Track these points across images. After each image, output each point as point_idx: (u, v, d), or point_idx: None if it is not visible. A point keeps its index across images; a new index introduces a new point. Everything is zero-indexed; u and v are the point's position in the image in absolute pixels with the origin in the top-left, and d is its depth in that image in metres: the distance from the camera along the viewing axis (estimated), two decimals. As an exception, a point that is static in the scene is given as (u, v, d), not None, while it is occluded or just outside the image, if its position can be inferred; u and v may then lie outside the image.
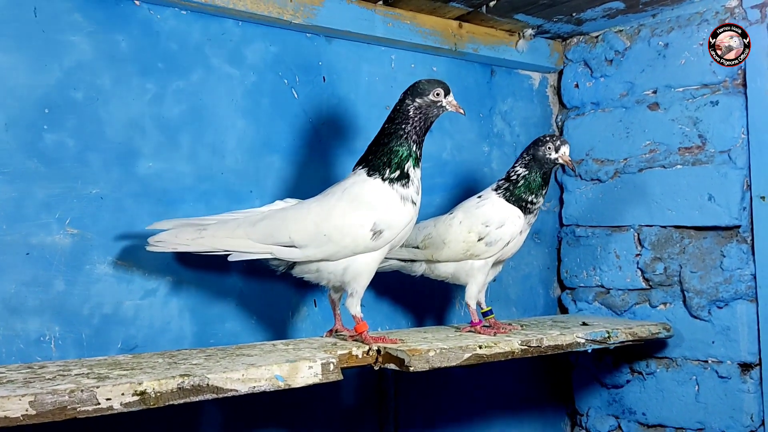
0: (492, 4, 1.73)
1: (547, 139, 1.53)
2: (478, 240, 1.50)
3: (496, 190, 1.55)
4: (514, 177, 1.53)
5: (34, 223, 1.31)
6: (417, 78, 1.83)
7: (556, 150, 1.51)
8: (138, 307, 1.41)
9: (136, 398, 0.95)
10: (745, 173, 1.65)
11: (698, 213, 1.73)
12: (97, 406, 0.91)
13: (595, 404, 1.97)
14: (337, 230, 1.28)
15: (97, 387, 0.92)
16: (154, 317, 1.43)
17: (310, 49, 1.67)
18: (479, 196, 1.57)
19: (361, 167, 1.34)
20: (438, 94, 1.33)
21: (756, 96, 1.64)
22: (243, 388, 1.05)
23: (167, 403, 0.98)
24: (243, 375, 1.05)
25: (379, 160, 1.31)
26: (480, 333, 1.49)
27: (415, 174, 1.32)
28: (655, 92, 1.84)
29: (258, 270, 1.56)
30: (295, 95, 1.65)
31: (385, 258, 1.42)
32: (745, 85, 1.66)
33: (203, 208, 1.50)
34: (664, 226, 1.81)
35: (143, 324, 1.42)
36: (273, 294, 1.59)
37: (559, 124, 2.10)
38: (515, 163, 1.56)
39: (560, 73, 2.09)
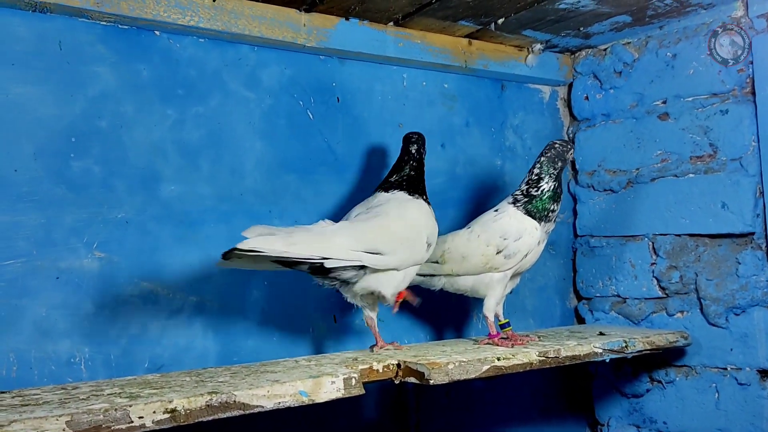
0: (500, 21, 1.77)
1: (569, 147, 1.58)
2: (497, 253, 1.52)
3: (513, 203, 1.55)
4: (537, 192, 1.54)
5: (63, 247, 1.35)
6: (429, 96, 1.90)
7: (573, 151, 1.62)
8: (163, 327, 1.45)
9: (167, 416, 0.98)
10: (757, 180, 1.67)
11: (712, 221, 1.74)
12: (131, 425, 0.94)
13: (615, 414, 1.98)
14: (412, 240, 1.41)
15: (130, 406, 0.95)
16: (179, 336, 1.47)
17: (324, 70, 1.72)
18: (496, 210, 1.58)
19: (398, 190, 1.48)
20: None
21: (765, 103, 1.65)
22: (269, 404, 1.08)
23: (197, 420, 1.01)
24: (268, 391, 1.08)
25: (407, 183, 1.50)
26: (498, 345, 1.51)
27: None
28: (664, 102, 1.87)
29: (279, 288, 1.60)
30: (311, 116, 1.69)
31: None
32: (754, 93, 1.68)
33: (224, 229, 1.54)
34: (679, 235, 1.82)
35: (169, 343, 1.46)
36: (294, 311, 1.62)
37: (571, 136, 2.13)
38: (538, 178, 1.55)
39: (570, 86, 2.12)
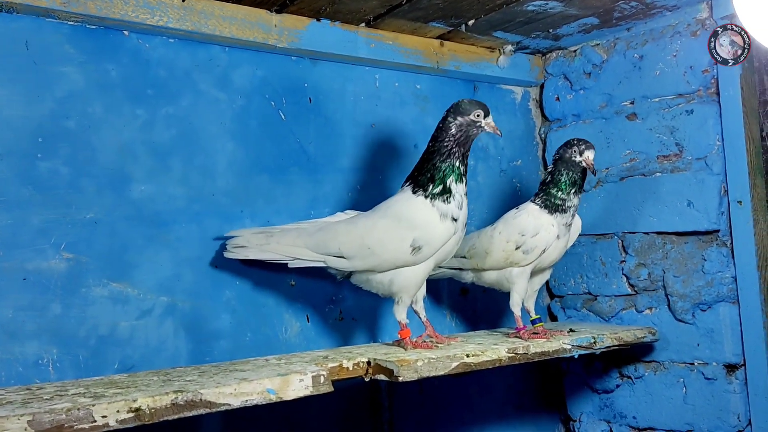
0: (471, 22, 1.79)
1: (574, 142, 1.62)
2: (516, 248, 1.59)
3: (533, 200, 1.64)
4: (548, 178, 1.62)
5: (30, 249, 1.34)
6: (401, 96, 1.90)
7: (580, 154, 1.60)
8: (134, 328, 1.45)
9: (131, 415, 0.98)
10: (722, 179, 1.70)
11: (679, 219, 1.78)
12: (94, 424, 0.94)
13: (587, 410, 2.00)
14: (378, 244, 1.38)
15: (93, 405, 0.95)
16: (150, 337, 1.47)
17: (296, 71, 1.72)
18: (517, 208, 1.67)
19: (407, 184, 1.42)
20: (478, 115, 1.39)
21: (729, 104, 1.69)
22: (235, 402, 1.08)
23: (162, 419, 1.01)
24: (235, 389, 1.09)
25: (423, 176, 1.39)
26: (523, 339, 1.57)
27: (457, 189, 1.38)
28: (632, 103, 1.90)
29: (251, 287, 1.60)
30: (283, 117, 1.70)
31: (438, 267, 1.54)
32: (718, 94, 1.71)
33: (195, 229, 1.54)
34: (647, 233, 1.85)
35: (139, 344, 1.45)
36: (266, 311, 1.63)
37: (543, 136, 2.15)
38: (547, 170, 1.65)
39: (541, 87, 2.14)
